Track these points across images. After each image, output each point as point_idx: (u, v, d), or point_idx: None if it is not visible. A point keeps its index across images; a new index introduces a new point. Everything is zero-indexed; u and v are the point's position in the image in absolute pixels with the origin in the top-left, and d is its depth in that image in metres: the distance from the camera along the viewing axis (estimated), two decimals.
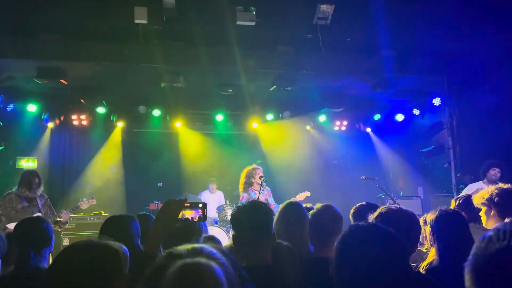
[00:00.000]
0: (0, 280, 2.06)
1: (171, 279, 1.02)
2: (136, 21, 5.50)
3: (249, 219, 2.06)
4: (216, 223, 7.15)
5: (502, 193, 2.94)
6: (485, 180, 5.86)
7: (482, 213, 3.05)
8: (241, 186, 6.19)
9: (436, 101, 7.68)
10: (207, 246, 1.16)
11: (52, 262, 1.48)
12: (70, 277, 1.37)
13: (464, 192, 5.77)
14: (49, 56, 5.91)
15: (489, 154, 6.56)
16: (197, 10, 5.59)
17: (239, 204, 2.39)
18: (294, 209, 2.54)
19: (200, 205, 1.86)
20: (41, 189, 5.51)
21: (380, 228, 1.60)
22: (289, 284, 2.01)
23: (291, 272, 2.09)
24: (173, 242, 2.14)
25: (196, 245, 1.16)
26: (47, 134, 8.54)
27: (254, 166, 6.31)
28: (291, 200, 2.74)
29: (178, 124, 9.08)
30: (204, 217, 1.87)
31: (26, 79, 6.58)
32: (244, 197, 6.04)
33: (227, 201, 7.71)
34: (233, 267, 1.14)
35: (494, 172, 5.81)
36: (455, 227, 2.33)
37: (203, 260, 1.06)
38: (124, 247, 1.55)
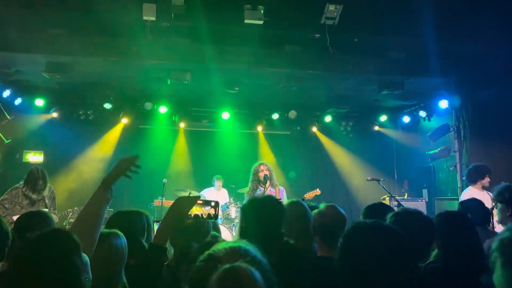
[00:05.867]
0: None
1: (213, 285, 1.10)
2: (145, 18, 5.52)
3: (260, 213, 2.02)
4: (220, 220, 7.16)
5: None
6: (477, 184, 5.49)
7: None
8: (250, 183, 6.13)
9: (443, 104, 7.65)
10: (242, 245, 1.23)
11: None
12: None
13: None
14: (57, 51, 5.94)
15: (496, 157, 6.52)
16: (205, 8, 5.59)
17: (250, 197, 2.33)
18: (296, 209, 2.52)
19: (212, 204, 1.89)
20: (47, 189, 5.52)
21: (383, 225, 1.59)
22: (292, 285, 1.98)
23: (295, 273, 2.06)
24: (182, 239, 2.15)
25: (232, 245, 1.23)
26: (54, 128, 8.60)
27: (260, 162, 6.26)
28: (293, 199, 2.72)
29: (184, 121, 9.11)
30: (215, 216, 1.89)
31: (34, 73, 6.63)
32: (249, 194, 6.00)
33: (231, 199, 7.72)
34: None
35: (487, 181, 5.52)
36: (459, 229, 2.32)
37: (242, 265, 1.12)
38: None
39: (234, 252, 1.19)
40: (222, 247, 1.22)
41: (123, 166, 2.08)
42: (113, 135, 9.15)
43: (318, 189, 6.58)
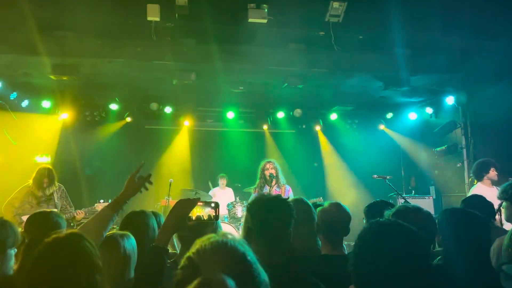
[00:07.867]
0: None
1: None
2: (149, 19, 5.55)
3: (267, 214, 1.97)
4: (226, 219, 7.18)
5: None
6: (484, 180, 5.46)
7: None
8: (258, 180, 6.07)
9: (450, 100, 7.59)
10: (230, 242, 1.22)
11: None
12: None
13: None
14: (63, 53, 5.98)
15: (503, 154, 6.46)
16: (209, 8, 5.61)
17: (257, 196, 2.27)
18: (300, 207, 2.49)
19: (212, 205, 1.88)
20: (54, 186, 5.58)
21: (401, 224, 1.55)
22: (300, 284, 1.95)
23: (300, 272, 2.04)
24: (189, 237, 2.17)
25: (218, 244, 1.22)
26: (61, 130, 8.66)
27: (268, 160, 6.23)
28: (296, 197, 2.70)
29: (189, 121, 9.14)
30: (216, 217, 1.88)
31: (41, 75, 6.68)
32: (256, 191, 5.97)
33: (237, 198, 7.73)
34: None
35: (494, 174, 5.44)
36: (460, 225, 2.29)
37: (217, 276, 1.09)
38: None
39: (218, 251, 1.18)
40: (208, 247, 1.21)
41: (136, 185, 2.07)
42: (107, 131, 9.12)
43: (320, 197, 6.58)
